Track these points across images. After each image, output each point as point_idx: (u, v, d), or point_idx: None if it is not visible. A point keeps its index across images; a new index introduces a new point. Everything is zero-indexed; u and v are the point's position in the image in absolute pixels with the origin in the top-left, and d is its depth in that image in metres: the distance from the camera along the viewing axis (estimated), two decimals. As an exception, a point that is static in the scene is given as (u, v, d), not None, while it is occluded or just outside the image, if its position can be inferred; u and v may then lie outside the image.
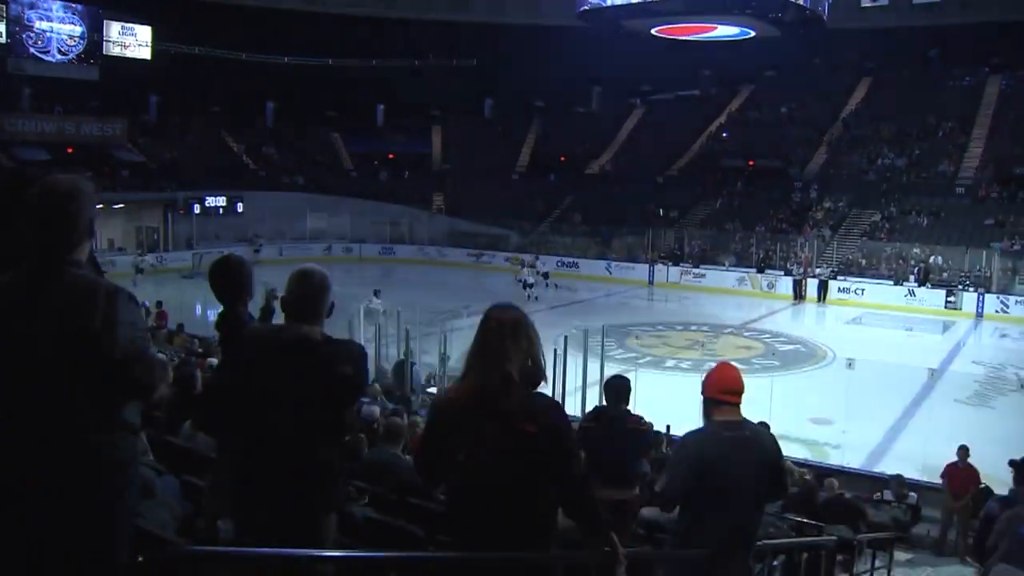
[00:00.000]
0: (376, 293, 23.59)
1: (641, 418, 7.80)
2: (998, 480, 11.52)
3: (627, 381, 6.25)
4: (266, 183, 48.53)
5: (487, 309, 3.38)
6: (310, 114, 54.23)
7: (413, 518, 5.39)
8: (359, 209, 46.64)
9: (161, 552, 3.00)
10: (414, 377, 17.35)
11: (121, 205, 40.42)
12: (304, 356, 3.44)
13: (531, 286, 34.48)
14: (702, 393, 4.75)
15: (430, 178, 53.53)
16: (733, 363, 4.95)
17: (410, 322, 18.31)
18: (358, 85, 54.24)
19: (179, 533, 4.21)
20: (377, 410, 10.48)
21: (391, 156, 55.31)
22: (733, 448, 4.50)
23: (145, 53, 47.81)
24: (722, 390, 4.67)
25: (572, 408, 15.81)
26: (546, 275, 37.03)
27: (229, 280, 3.98)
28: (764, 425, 11.17)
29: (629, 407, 7.42)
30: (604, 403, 7.50)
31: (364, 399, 12.21)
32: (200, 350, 15.79)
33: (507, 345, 3.19)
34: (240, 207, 44.83)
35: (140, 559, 2.75)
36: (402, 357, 17.50)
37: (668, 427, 13.68)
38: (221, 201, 44.67)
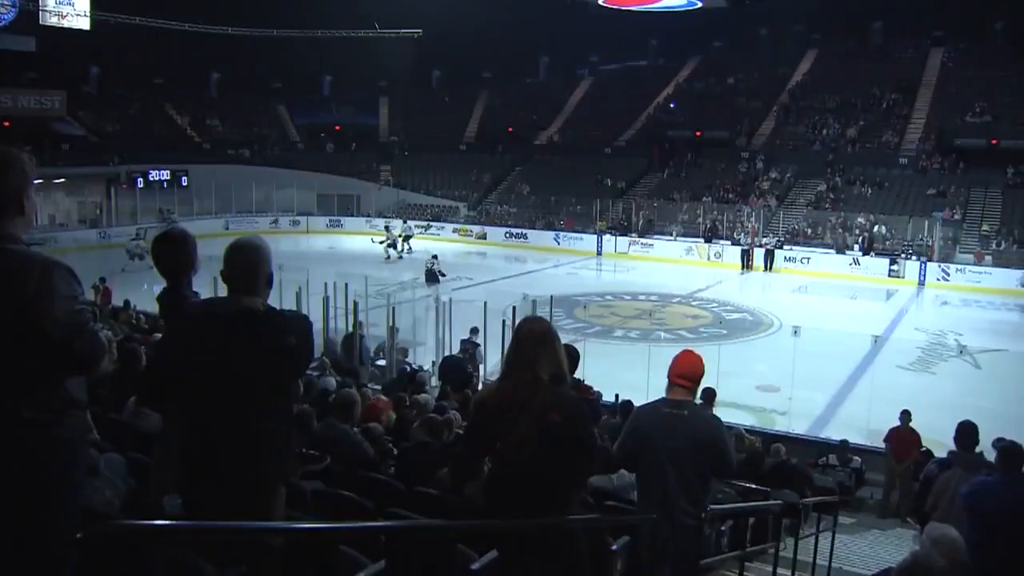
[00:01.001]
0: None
1: (590, 387, 7.88)
2: (939, 443, 11.73)
3: (575, 350, 6.30)
4: (211, 156, 47.89)
5: (521, 321, 4.23)
6: (255, 85, 53.57)
7: (363, 490, 5.37)
8: (306, 181, 46.19)
9: (101, 528, 2.94)
10: (363, 350, 17.28)
11: (62, 180, 39.69)
12: (246, 328, 3.39)
13: (392, 246, 36.55)
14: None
15: (377, 150, 53.22)
16: (696, 351, 5.35)
17: (358, 295, 18.19)
18: (304, 56, 53.67)
19: (125, 510, 4.15)
20: (333, 382, 10.45)
21: (338, 128, 54.88)
22: (668, 423, 5.00)
23: (84, 23, 46.67)
24: (677, 374, 5.13)
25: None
26: (408, 238, 38.67)
27: (172, 254, 3.91)
28: (709, 393, 11.32)
29: (577, 376, 7.49)
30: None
31: (316, 372, 12.17)
32: (146, 327, 15.60)
33: (537, 351, 3.86)
34: (185, 180, 44.16)
35: (79, 536, 2.70)
36: (351, 330, 17.41)
37: (617, 396, 13.75)
38: (165, 175, 44.01)
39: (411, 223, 40.15)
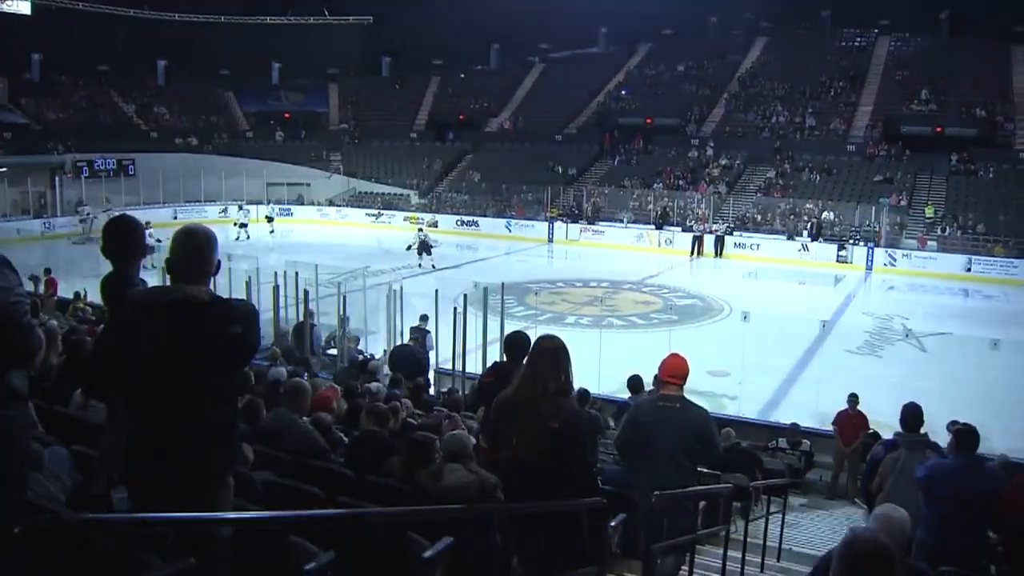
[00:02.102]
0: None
1: (595, 401, 8.05)
2: (886, 426, 11.89)
3: (525, 336, 6.35)
4: (158, 144, 47.19)
5: (538, 339, 4.95)
6: (203, 73, 52.82)
7: (313, 480, 5.34)
8: (255, 170, 45.73)
9: (42, 521, 2.88)
10: (314, 339, 17.18)
11: (4, 169, 38.91)
12: (190, 316, 3.33)
13: (244, 226, 37.71)
14: (657, 373, 6.42)
15: (327, 138, 52.82)
16: (681, 354, 6.28)
17: (309, 283, 18.06)
18: (252, 43, 53.12)
19: (70, 505, 4.09)
20: (284, 372, 10.37)
21: (287, 116, 54.34)
22: (662, 416, 5.93)
23: (24, 8, 45.87)
24: (668, 374, 6.09)
25: (473, 366, 15.86)
26: (269, 218, 40.74)
27: (120, 241, 3.85)
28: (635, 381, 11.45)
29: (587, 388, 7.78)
30: (503, 359, 7.60)
31: (266, 361, 12.08)
32: (93, 318, 15.36)
33: (548, 367, 4.71)
34: (132, 169, 43.51)
35: (18, 529, 2.63)
36: (301, 319, 17.29)
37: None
38: (111, 164, 43.30)
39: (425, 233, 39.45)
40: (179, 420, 3.30)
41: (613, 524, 5.54)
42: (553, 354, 4.75)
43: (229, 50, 52.43)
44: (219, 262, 3.54)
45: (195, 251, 3.47)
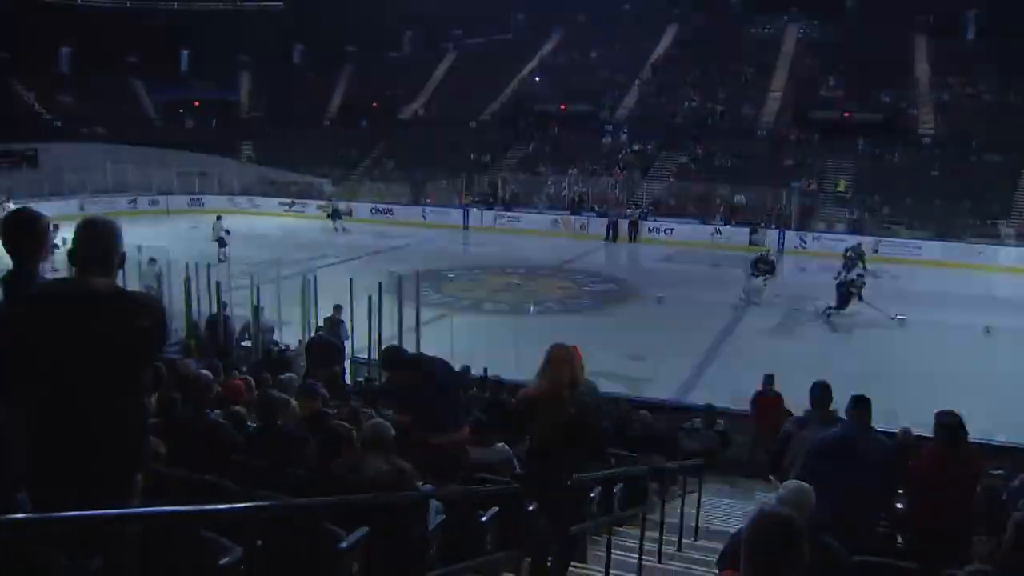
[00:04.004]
0: None
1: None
2: (799, 405, 12.11)
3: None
4: (63, 134, 45.86)
5: (552, 346, 5.91)
6: (109, 60, 51.33)
7: (226, 474, 5.25)
8: (165, 159, 44.64)
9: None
10: (228, 331, 16.92)
11: None
12: (95, 310, 3.21)
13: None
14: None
15: (238, 126, 52.00)
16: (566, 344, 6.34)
17: (221, 275, 17.78)
18: (160, 30, 51.99)
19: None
20: (193, 365, 10.19)
21: (197, 104, 53.32)
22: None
23: (-85, -7, 44.25)
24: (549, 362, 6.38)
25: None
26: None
27: (21, 235, 3.70)
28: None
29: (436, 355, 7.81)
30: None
31: (179, 355, 11.87)
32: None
33: (563, 367, 5.74)
34: (36, 160, 42.27)
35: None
36: (215, 311, 17.01)
37: (486, 370, 13.80)
38: (13, 154, 41.96)
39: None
40: (84, 417, 3.19)
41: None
42: (568, 357, 5.80)
43: (136, 37, 51.17)
44: (124, 254, 3.44)
45: (98, 243, 3.36)
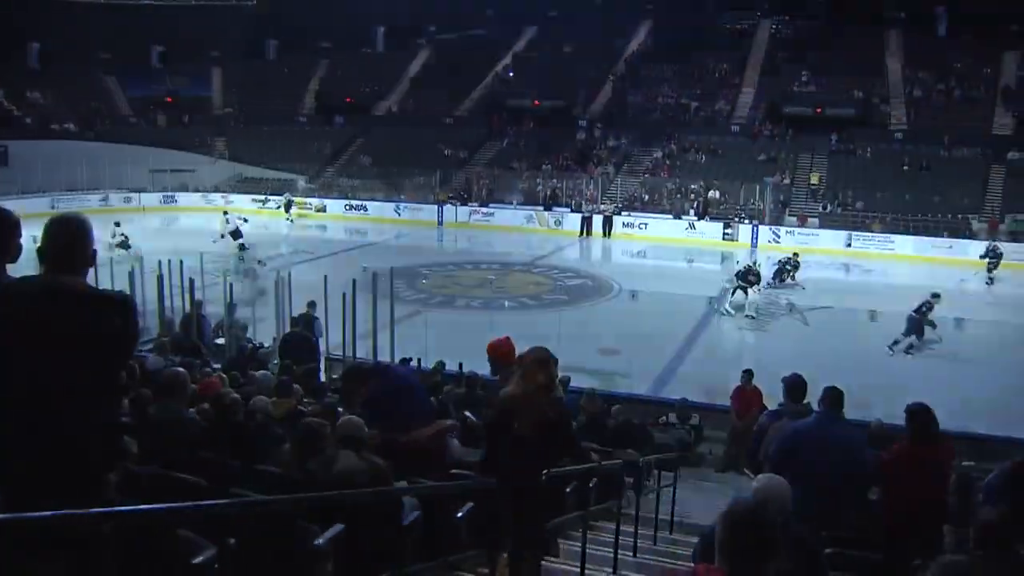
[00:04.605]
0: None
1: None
2: (773, 398, 12.18)
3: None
4: (34, 131, 45.28)
5: (528, 350, 6.01)
6: (81, 56, 50.79)
7: (199, 471, 5.22)
8: (138, 156, 44.27)
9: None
10: (203, 328, 16.81)
11: None
12: (64, 309, 3.17)
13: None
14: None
15: (212, 123, 51.61)
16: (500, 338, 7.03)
17: (195, 272, 17.66)
18: (132, 25, 51.53)
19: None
20: (163, 362, 10.15)
21: (170, 100, 52.86)
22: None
23: None
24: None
25: (364, 352, 15.77)
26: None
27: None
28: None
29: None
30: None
31: (152, 352, 11.78)
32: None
33: (537, 370, 5.77)
34: (6, 157, 41.77)
35: None
36: (189, 309, 16.90)
37: (461, 365, 13.79)
38: (-20, 152, 41.49)
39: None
40: (55, 416, 3.16)
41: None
42: (543, 361, 5.89)
43: (108, 32, 50.68)
44: (95, 252, 3.39)
45: (69, 240, 3.31)
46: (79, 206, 37.25)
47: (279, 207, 35.86)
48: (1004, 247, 29.75)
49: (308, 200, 42.11)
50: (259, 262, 26.42)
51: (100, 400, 3.29)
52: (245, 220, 29.43)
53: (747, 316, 22.61)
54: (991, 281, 27.87)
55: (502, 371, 7.06)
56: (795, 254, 26.81)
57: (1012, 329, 22.79)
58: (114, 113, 51.40)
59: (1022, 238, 32.64)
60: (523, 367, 5.99)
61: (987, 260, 28.25)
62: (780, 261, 25.70)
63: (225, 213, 30.55)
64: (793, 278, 25.88)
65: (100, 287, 3.51)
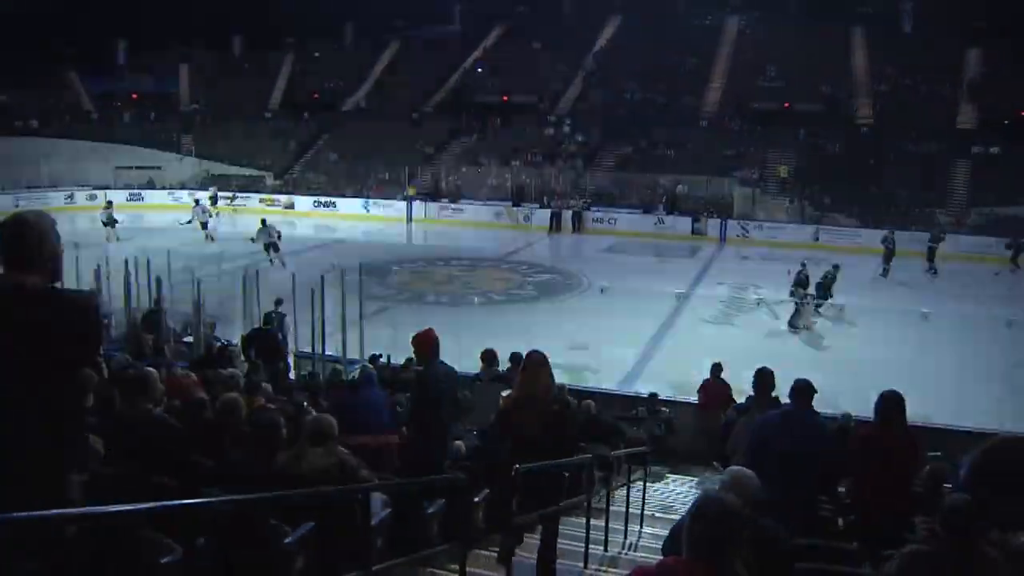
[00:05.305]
0: None
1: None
2: (741, 392, 12.24)
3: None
4: (-4, 128, 44.84)
5: (527, 352, 6.79)
6: (42, 51, 50.19)
7: (169, 471, 5.19)
8: (103, 153, 43.92)
9: None
10: (166, 326, 16.67)
11: None
12: (23, 308, 3.13)
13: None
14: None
15: (178, 119, 51.15)
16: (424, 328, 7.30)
17: (161, 270, 17.51)
18: (95, 20, 50.96)
19: None
20: (128, 360, 10.05)
21: (135, 96, 52.39)
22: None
23: None
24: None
25: (333, 348, 15.73)
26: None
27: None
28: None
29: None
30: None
31: (117, 351, 11.68)
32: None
33: (538, 372, 6.54)
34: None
35: None
36: (153, 307, 16.75)
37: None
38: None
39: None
40: (19, 416, 3.11)
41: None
42: (542, 363, 6.62)
43: (70, 27, 50.10)
44: (60, 250, 3.32)
45: (28, 238, 3.24)
46: (43, 204, 36.83)
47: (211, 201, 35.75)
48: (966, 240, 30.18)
49: (277, 196, 41.82)
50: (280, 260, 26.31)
51: (63, 399, 3.24)
52: (279, 235, 28.19)
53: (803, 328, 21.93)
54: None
55: (420, 359, 7.53)
56: (835, 266, 24.40)
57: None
58: (77, 110, 50.85)
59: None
60: (525, 370, 6.63)
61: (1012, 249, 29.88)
62: (825, 275, 23.67)
63: (263, 221, 29.38)
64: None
65: (66, 287, 3.44)
